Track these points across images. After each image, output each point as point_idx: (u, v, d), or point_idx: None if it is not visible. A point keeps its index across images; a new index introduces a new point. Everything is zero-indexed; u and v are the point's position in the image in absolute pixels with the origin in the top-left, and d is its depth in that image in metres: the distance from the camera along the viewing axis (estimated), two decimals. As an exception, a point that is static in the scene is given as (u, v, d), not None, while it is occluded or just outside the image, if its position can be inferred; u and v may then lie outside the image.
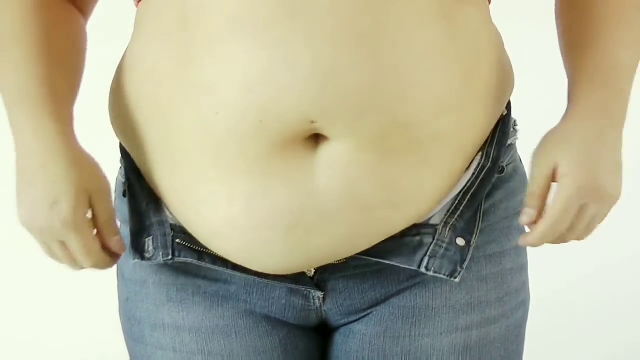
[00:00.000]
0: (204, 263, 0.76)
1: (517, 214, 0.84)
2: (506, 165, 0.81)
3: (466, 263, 0.76)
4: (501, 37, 0.79)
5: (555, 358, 1.76)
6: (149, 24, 0.73)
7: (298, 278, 0.78)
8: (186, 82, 0.68)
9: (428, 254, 0.76)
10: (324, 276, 0.79)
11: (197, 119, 0.68)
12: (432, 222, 0.77)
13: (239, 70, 0.65)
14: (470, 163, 0.78)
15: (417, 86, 0.66)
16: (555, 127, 0.77)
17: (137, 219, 0.78)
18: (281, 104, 0.65)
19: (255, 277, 0.77)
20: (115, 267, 0.86)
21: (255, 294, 0.80)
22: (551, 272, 1.64)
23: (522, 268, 0.85)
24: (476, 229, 0.78)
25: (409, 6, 0.66)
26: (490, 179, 0.78)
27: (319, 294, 0.80)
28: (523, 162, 0.86)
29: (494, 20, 0.78)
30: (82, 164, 0.72)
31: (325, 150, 0.68)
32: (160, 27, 0.71)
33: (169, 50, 0.69)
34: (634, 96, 1.75)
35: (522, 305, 0.85)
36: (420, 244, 0.76)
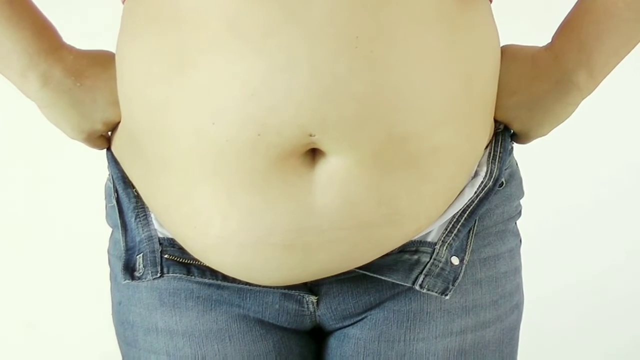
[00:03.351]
0: (192, 277, 0.76)
1: (512, 217, 0.84)
2: (504, 171, 0.80)
3: (458, 281, 0.77)
4: (499, 41, 0.78)
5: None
6: (138, 22, 0.70)
7: None
8: (181, 87, 0.65)
9: (424, 272, 0.76)
10: (317, 281, 0.78)
11: (192, 128, 0.65)
12: (429, 239, 0.77)
13: (237, 78, 0.63)
14: (472, 179, 0.77)
15: (414, 96, 0.65)
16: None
17: (128, 236, 0.78)
18: (280, 115, 0.63)
19: (247, 286, 0.77)
20: (108, 269, 0.87)
21: (248, 299, 0.80)
22: (546, 274, 1.65)
23: (516, 271, 0.85)
24: (468, 246, 0.78)
25: (409, 11, 0.64)
26: (490, 197, 0.78)
27: (313, 299, 0.79)
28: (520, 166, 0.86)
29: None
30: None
31: (323, 166, 0.66)
32: (151, 27, 0.68)
33: (162, 52, 0.67)
34: (633, 98, 1.75)
35: (516, 307, 0.85)
36: (417, 262, 0.76)
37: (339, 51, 0.62)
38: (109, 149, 0.80)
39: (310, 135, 0.64)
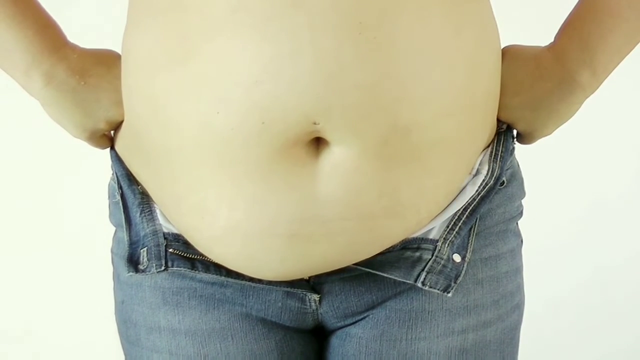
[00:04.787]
0: (197, 271, 0.76)
1: (514, 217, 0.84)
2: (505, 171, 0.81)
3: (460, 279, 0.77)
4: (499, 36, 0.78)
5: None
6: (142, 13, 0.70)
7: (294, 281, 0.77)
8: (185, 76, 0.65)
9: (426, 269, 0.76)
10: (320, 279, 0.79)
11: (196, 118, 0.65)
12: (431, 236, 0.77)
13: (240, 65, 0.63)
14: (474, 177, 0.77)
15: (419, 85, 0.65)
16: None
17: (132, 231, 0.78)
18: (284, 102, 0.63)
19: (250, 283, 0.77)
20: (111, 268, 0.87)
21: (251, 297, 0.80)
22: (547, 275, 1.65)
23: (518, 270, 0.85)
24: (470, 244, 0.79)
25: None
26: (491, 196, 0.78)
27: (315, 297, 0.80)
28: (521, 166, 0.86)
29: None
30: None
31: (327, 157, 0.66)
32: (155, 17, 0.68)
33: (166, 39, 0.67)
34: (633, 99, 1.75)
35: (517, 307, 0.85)
36: (419, 259, 0.76)
37: (342, 37, 0.62)
38: (112, 148, 0.81)
39: (314, 124, 0.64)
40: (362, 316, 0.82)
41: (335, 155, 0.66)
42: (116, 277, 0.85)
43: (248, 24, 0.63)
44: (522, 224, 0.88)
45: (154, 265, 0.77)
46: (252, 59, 0.62)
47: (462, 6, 0.68)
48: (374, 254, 0.74)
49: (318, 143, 0.67)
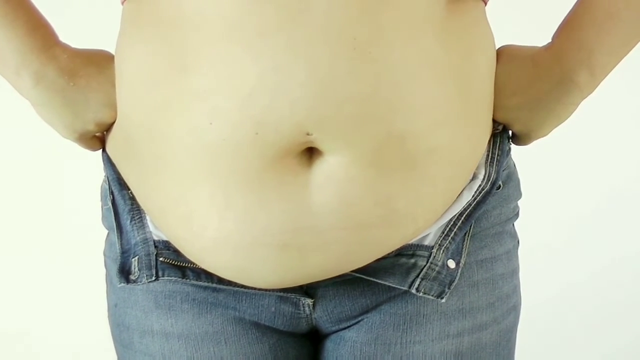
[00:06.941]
0: (188, 280, 0.76)
1: (510, 219, 0.84)
2: (501, 172, 0.80)
3: (454, 285, 0.77)
4: (494, 41, 0.78)
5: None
6: (140, 25, 0.70)
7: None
8: (179, 88, 0.65)
9: (420, 276, 0.76)
10: (313, 283, 0.78)
11: (189, 129, 0.65)
12: (426, 242, 0.76)
13: (234, 78, 0.63)
14: (471, 182, 0.77)
15: (412, 96, 0.65)
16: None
17: (123, 238, 0.77)
18: (277, 114, 0.63)
19: (243, 289, 0.76)
20: (104, 270, 0.86)
21: (244, 302, 0.79)
22: (544, 276, 1.64)
23: (514, 272, 0.85)
24: (464, 249, 0.78)
25: (404, 15, 0.65)
26: (487, 200, 0.78)
27: (309, 301, 0.79)
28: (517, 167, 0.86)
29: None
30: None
31: (320, 166, 0.66)
32: (154, 30, 0.68)
33: (162, 53, 0.67)
34: (632, 98, 1.75)
35: (513, 309, 0.85)
36: (414, 266, 0.76)
37: (337, 52, 0.62)
38: (104, 150, 0.80)
39: (308, 134, 0.64)
40: (356, 320, 0.81)
41: (328, 165, 0.66)
42: (109, 280, 0.85)
43: (242, 39, 0.63)
44: (519, 224, 0.87)
45: (145, 275, 0.77)
46: (246, 72, 0.63)
47: (453, 20, 0.68)
48: (369, 262, 0.73)
49: (311, 153, 0.66)
